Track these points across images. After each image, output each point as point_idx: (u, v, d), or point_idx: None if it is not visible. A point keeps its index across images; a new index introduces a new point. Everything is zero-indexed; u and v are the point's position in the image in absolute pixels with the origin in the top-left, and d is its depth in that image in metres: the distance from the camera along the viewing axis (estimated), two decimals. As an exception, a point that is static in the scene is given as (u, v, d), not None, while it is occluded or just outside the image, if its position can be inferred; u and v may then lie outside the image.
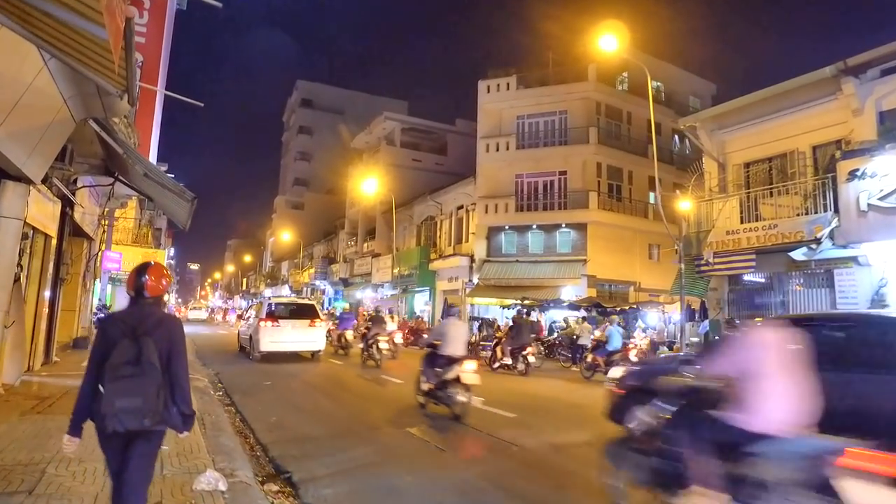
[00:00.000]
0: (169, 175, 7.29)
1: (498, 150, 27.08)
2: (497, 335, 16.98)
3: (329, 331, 19.66)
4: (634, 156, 26.82)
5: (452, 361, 7.85)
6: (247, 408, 8.04)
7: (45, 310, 10.04)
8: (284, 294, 55.36)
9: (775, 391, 3.15)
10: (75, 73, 5.50)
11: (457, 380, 7.68)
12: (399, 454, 5.80)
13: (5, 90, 5.08)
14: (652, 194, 27.67)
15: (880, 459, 2.96)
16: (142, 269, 2.94)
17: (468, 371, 7.77)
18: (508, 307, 21.70)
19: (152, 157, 12.46)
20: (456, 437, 6.75)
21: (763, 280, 14.98)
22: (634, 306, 20.54)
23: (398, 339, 18.19)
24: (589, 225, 24.62)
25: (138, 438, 2.77)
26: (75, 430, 2.79)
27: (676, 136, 29.64)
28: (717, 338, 14.94)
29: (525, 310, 21.67)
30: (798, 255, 11.83)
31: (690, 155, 30.18)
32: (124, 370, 2.68)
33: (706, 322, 16.60)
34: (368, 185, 31.99)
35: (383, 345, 15.01)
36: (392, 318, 20.75)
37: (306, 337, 15.49)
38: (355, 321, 22.84)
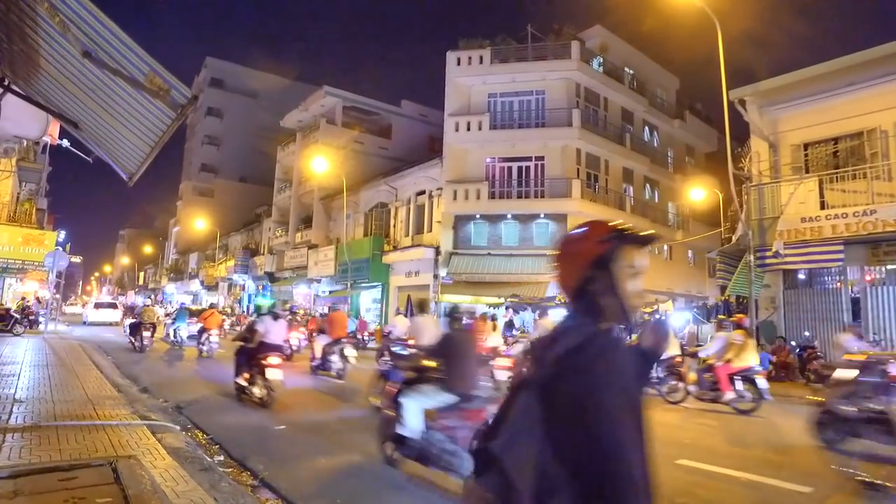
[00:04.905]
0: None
1: (469, 129, 24.15)
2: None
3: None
4: (613, 143, 25.00)
5: None
6: (293, 493, 4.53)
7: None
8: (193, 289, 50.03)
9: None
10: None
11: None
12: None
13: None
14: (626, 186, 26.13)
15: None
16: None
17: None
18: (497, 307, 18.90)
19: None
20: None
21: (803, 276, 13.32)
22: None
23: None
24: (569, 216, 22.41)
25: None
26: None
27: (647, 128, 28.38)
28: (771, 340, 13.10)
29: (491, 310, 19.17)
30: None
31: (659, 148, 29.13)
32: None
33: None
34: (312, 166, 27.91)
35: (147, 342, 15.86)
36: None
37: (111, 315, 30.70)
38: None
